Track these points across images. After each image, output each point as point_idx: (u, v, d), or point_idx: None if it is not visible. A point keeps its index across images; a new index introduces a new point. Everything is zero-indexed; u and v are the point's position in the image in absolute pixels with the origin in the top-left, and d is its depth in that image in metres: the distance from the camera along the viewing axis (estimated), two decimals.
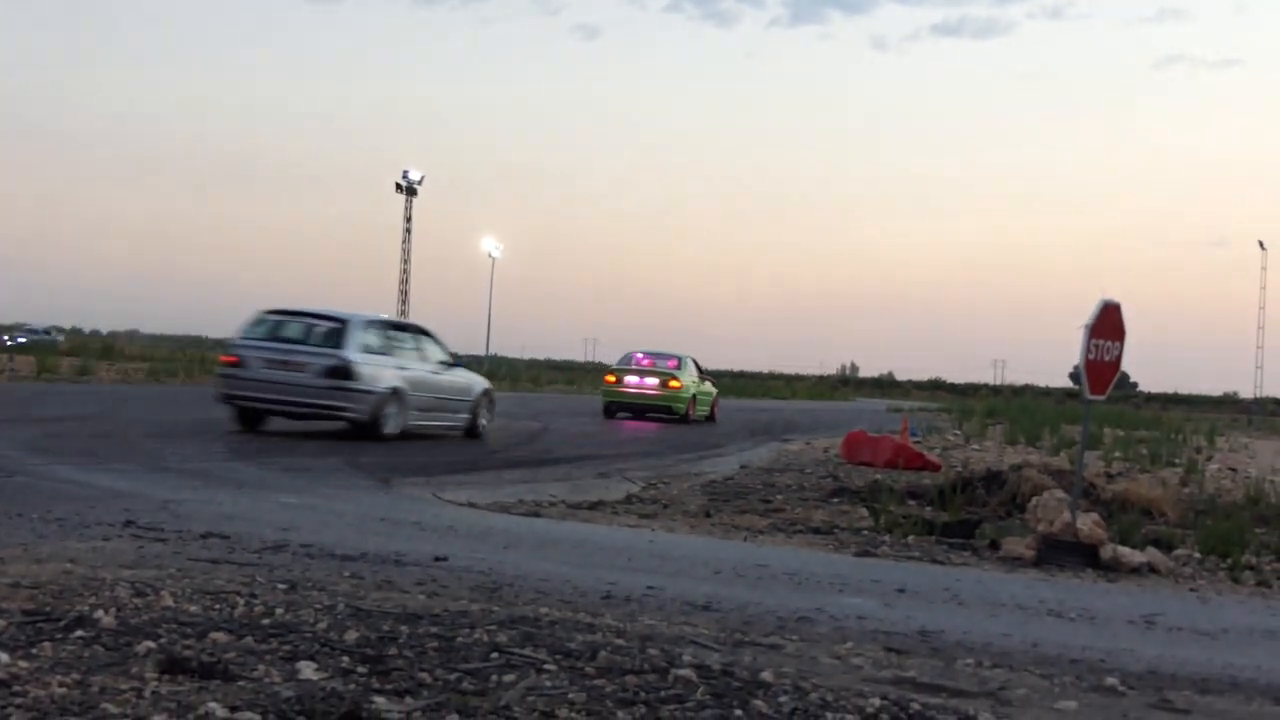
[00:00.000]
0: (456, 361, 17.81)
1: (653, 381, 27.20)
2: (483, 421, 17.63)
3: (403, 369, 15.87)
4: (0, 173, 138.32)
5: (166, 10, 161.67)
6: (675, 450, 18.17)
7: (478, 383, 17.94)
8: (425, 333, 17.33)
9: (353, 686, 3.70)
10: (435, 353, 17.06)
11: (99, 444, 12.91)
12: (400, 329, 17.39)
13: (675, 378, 27.28)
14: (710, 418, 28.38)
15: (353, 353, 15.19)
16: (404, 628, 4.53)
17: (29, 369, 30.99)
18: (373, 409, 15.13)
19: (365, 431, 15.12)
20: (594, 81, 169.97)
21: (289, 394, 15.02)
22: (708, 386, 29.06)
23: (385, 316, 18.15)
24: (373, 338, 15.89)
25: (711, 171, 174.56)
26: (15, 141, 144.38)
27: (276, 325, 15.94)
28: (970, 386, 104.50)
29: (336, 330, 15.53)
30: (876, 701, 3.94)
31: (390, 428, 15.40)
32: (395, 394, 15.50)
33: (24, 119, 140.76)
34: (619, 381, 27.55)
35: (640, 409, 27.20)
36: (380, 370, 15.41)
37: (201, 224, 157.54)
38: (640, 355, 28.22)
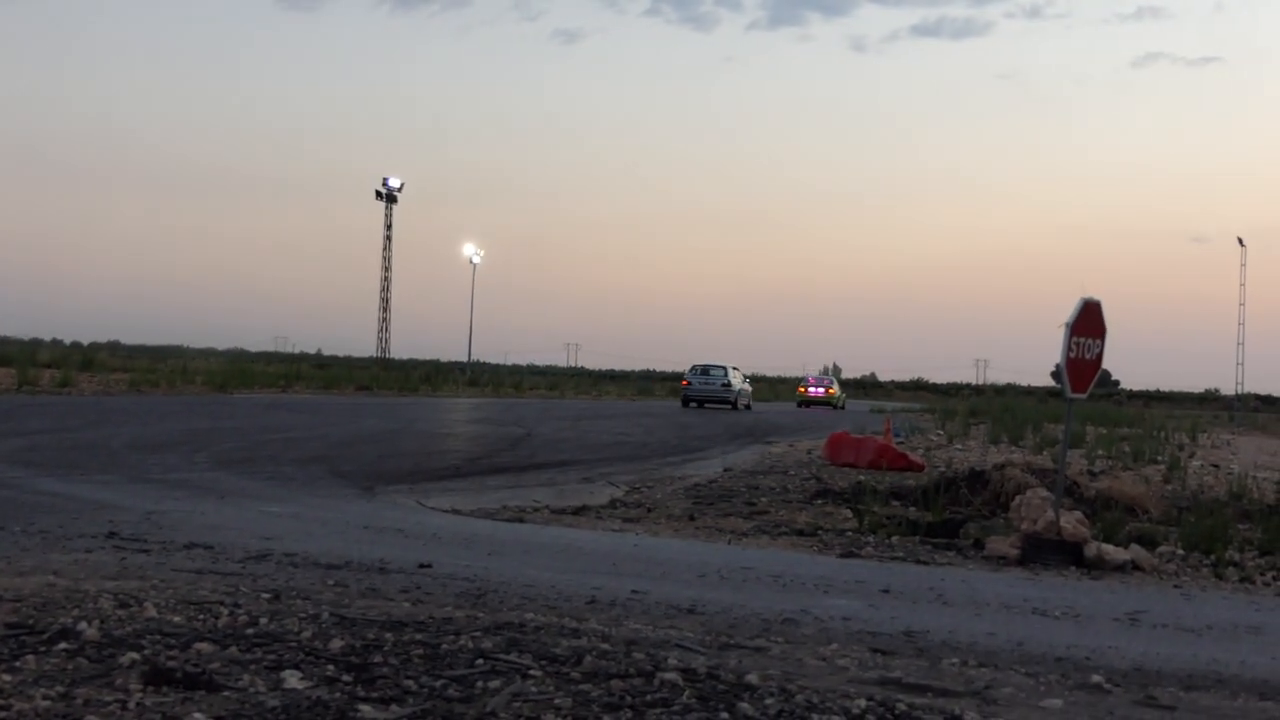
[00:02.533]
0: (745, 377, 47.88)
1: (821, 390, 59.86)
2: (750, 404, 46.69)
3: (741, 382, 45.97)
4: None
5: (142, 18, 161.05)
6: (659, 454, 18.19)
7: (748, 386, 47.74)
8: (736, 367, 46.16)
9: (338, 695, 3.69)
10: (741, 374, 46.72)
11: (81, 455, 12.85)
12: (735, 368, 45.61)
13: (832, 387, 60.74)
14: (843, 407, 57.18)
15: (730, 378, 44.75)
16: (389, 635, 4.52)
17: (9, 381, 30.81)
18: (736, 398, 44.14)
19: (733, 408, 42.92)
20: (574, 86, 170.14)
21: (710, 394, 44.00)
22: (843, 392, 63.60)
23: (734, 365, 46.35)
24: (734, 371, 45.42)
25: (692, 175, 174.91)
26: None
27: (700, 369, 45.26)
28: (953, 386, 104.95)
29: (723, 369, 45.04)
30: (862, 702, 3.94)
31: (740, 406, 43.91)
32: (740, 392, 45.03)
33: (1, 129, 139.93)
34: (806, 391, 60.09)
35: (814, 404, 57.65)
36: (737, 383, 45.02)
37: (182, 233, 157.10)
38: (811, 377, 63.12)
